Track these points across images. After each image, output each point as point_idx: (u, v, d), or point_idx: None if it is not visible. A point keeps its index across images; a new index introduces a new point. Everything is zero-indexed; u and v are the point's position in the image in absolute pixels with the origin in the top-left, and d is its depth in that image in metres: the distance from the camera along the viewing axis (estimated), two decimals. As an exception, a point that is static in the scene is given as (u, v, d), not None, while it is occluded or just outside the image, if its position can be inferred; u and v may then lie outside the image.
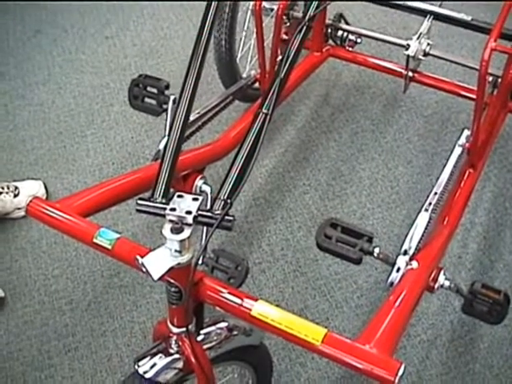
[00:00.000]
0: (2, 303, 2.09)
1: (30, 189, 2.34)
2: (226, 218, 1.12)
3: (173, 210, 1.11)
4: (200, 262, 1.49)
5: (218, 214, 1.13)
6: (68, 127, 2.66)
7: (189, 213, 1.10)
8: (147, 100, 1.87)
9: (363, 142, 2.54)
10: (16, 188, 2.32)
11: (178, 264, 1.12)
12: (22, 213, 2.28)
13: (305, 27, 1.48)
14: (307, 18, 1.51)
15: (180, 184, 1.79)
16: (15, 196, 2.29)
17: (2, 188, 2.29)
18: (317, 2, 1.64)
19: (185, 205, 1.12)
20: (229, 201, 1.16)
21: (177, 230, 1.09)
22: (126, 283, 2.13)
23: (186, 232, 1.09)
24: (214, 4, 1.55)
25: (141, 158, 2.51)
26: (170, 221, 1.11)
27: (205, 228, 1.52)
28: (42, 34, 3.12)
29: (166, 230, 1.10)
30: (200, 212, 1.12)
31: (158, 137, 2.53)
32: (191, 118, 1.97)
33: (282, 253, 2.20)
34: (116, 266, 2.15)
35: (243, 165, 1.23)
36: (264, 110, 1.29)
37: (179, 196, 1.14)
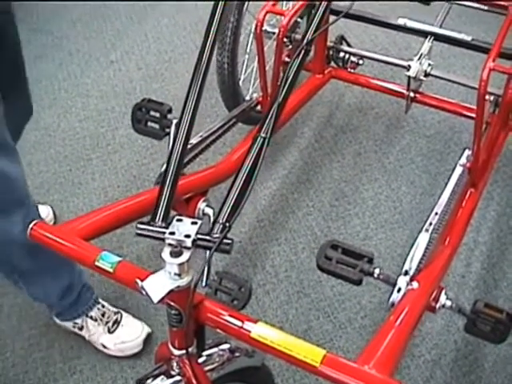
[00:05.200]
0: (149, 338, 2.05)
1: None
2: (225, 241, 1.13)
3: (172, 233, 1.12)
4: (204, 284, 1.50)
5: (216, 238, 1.14)
6: (73, 151, 2.68)
7: (188, 236, 1.11)
8: (150, 124, 1.89)
9: (366, 163, 2.55)
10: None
11: (178, 287, 1.12)
12: (28, 236, 2.28)
13: (303, 50, 1.49)
14: (305, 41, 1.52)
15: (183, 207, 1.81)
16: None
17: (9, 212, 2.30)
18: (315, 25, 1.65)
19: (184, 228, 1.13)
20: (227, 224, 1.17)
21: (176, 254, 1.10)
22: (131, 305, 2.14)
23: (185, 255, 1.10)
24: (214, 25, 1.56)
25: (146, 181, 2.53)
26: (170, 244, 1.12)
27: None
28: (47, 58, 3.15)
29: (166, 253, 1.11)
30: (199, 235, 1.13)
31: (162, 160, 2.53)
32: (194, 141, 1.99)
33: (285, 274, 2.21)
34: (121, 289, 2.16)
35: (241, 189, 1.24)
36: (262, 134, 1.30)
37: (178, 220, 1.15)
